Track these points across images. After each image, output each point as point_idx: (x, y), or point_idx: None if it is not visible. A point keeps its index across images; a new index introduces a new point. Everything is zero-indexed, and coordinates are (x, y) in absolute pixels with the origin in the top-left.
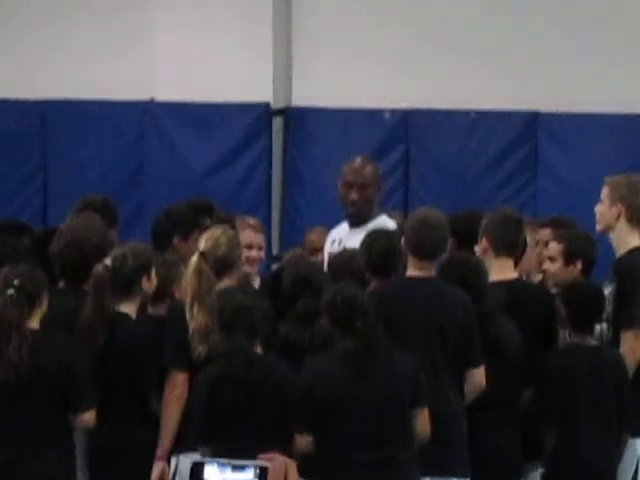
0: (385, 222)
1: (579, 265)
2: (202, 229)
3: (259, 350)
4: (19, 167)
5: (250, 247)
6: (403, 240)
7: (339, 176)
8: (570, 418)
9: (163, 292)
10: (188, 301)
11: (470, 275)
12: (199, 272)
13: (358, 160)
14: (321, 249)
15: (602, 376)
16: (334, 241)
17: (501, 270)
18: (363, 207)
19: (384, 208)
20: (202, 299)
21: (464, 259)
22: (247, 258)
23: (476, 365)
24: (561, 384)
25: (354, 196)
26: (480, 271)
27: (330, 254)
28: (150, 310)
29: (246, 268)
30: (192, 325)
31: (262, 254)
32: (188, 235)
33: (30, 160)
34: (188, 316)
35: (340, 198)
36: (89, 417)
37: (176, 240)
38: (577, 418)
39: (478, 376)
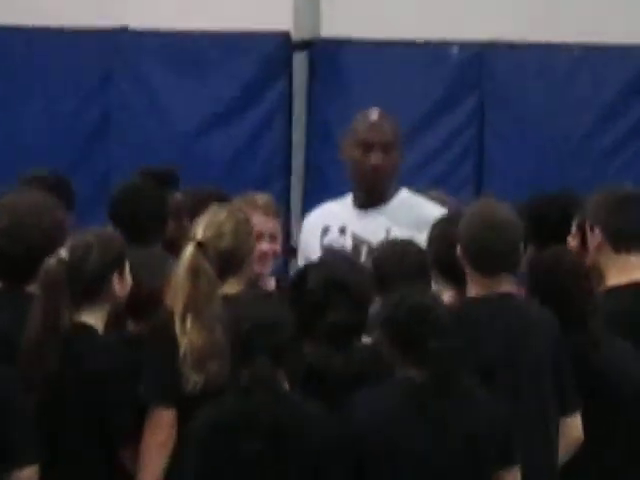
0: (419, 202)
1: None
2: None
3: (285, 384)
4: None
5: (259, 237)
6: (459, 248)
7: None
8: None
9: (149, 301)
10: (179, 312)
11: (567, 285)
12: (195, 271)
13: (375, 112)
14: None
15: None
16: (327, 229)
17: (624, 271)
18: (387, 177)
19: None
20: (199, 309)
21: (556, 261)
22: (258, 250)
23: (568, 413)
24: None
25: (376, 160)
26: (583, 277)
27: (329, 245)
28: (130, 326)
29: (255, 266)
30: (184, 345)
31: (277, 246)
32: (166, 218)
33: None
34: (179, 332)
35: (352, 165)
36: (28, 477)
37: (153, 227)
38: None
39: (572, 427)
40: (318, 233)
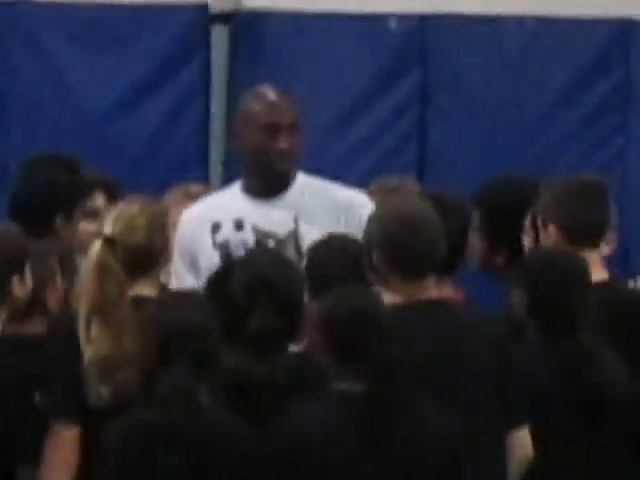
0: (322, 186)
1: None
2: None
3: (206, 397)
4: None
5: None
6: (375, 251)
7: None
8: None
9: (37, 300)
10: (83, 314)
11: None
12: (103, 269)
13: (271, 91)
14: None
15: None
16: (217, 225)
17: None
18: (294, 161)
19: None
20: (106, 312)
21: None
22: None
23: (518, 424)
24: None
25: (285, 143)
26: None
27: (226, 245)
28: (13, 327)
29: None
30: (89, 352)
31: None
32: (73, 211)
33: None
34: (82, 338)
35: (253, 152)
36: None
37: (59, 220)
38: None
39: (521, 442)
40: (207, 231)
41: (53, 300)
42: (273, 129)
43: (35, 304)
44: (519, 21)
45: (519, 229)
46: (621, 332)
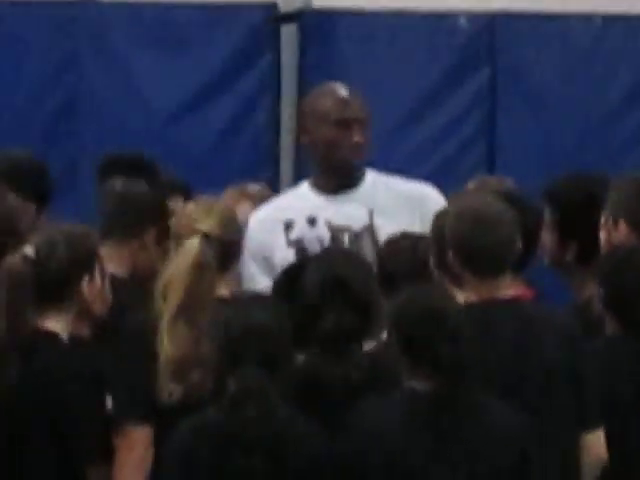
0: (391, 181)
1: None
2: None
3: (277, 397)
4: None
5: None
6: (449, 249)
7: (316, 117)
8: None
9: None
10: (172, 311)
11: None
12: (201, 266)
13: (341, 87)
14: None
15: None
16: (290, 224)
17: None
18: (365, 156)
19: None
20: (194, 313)
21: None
22: None
23: (589, 429)
24: None
25: (358, 138)
26: None
27: (301, 241)
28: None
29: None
30: (168, 350)
31: None
32: (164, 226)
33: None
34: (165, 337)
35: (326, 148)
36: None
37: (149, 235)
38: None
39: (594, 445)
40: (280, 230)
41: (99, 305)
42: (345, 124)
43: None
44: (587, 19)
45: (589, 226)
46: None
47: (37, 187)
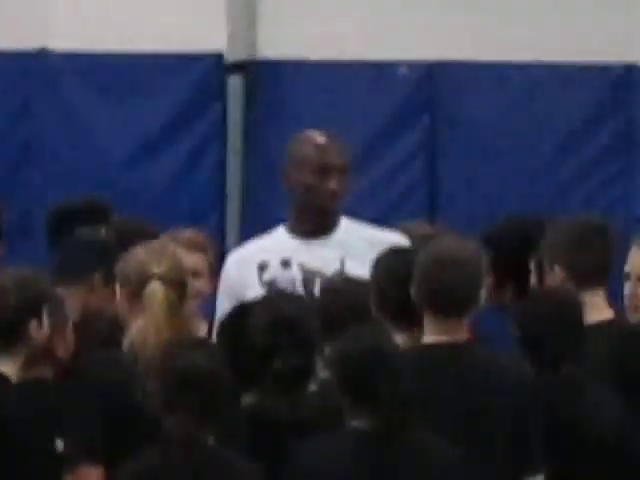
0: (363, 228)
1: None
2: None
3: (211, 439)
4: None
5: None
6: (412, 289)
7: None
8: None
9: (50, 346)
10: (150, 354)
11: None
12: (171, 307)
13: (320, 134)
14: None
15: None
16: (264, 264)
17: (593, 309)
18: (341, 203)
19: (399, 213)
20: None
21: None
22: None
23: (533, 471)
24: None
25: (334, 185)
26: (577, 313)
27: (273, 282)
28: (26, 373)
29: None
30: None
31: (202, 283)
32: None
33: None
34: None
35: (303, 193)
36: None
37: (97, 278)
38: None
39: None
40: (254, 270)
41: (62, 347)
42: (323, 170)
43: (48, 350)
44: (524, 67)
45: (525, 267)
46: (623, 369)
47: None
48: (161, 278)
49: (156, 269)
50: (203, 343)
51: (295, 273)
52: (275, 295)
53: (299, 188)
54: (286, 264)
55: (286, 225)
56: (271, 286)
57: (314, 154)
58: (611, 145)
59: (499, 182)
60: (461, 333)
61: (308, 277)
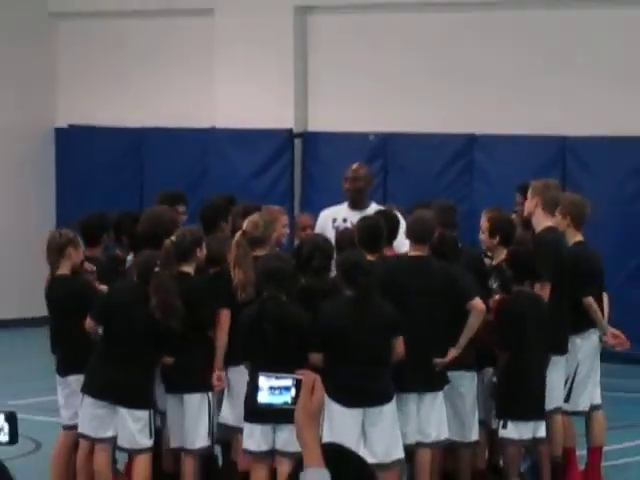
0: (375, 209)
1: (497, 238)
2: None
3: (284, 298)
4: (123, 176)
5: (285, 226)
6: (406, 231)
7: (342, 179)
8: (519, 343)
9: (217, 258)
10: (232, 264)
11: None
12: (238, 245)
13: (356, 164)
14: (305, 228)
15: (540, 312)
16: (335, 220)
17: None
18: (359, 195)
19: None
20: (240, 263)
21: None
22: (284, 234)
23: (470, 299)
24: (512, 320)
25: (352, 186)
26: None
27: (337, 228)
28: (210, 270)
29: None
30: (235, 281)
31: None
32: (227, 220)
33: (130, 168)
34: (233, 275)
35: (344, 190)
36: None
37: (222, 224)
38: (523, 343)
39: (476, 304)
40: (330, 221)
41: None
42: (351, 180)
43: (216, 261)
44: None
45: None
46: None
47: (184, 203)
48: (243, 232)
49: (244, 226)
50: (280, 255)
51: (350, 225)
52: (314, 236)
53: (344, 188)
54: (345, 220)
55: (346, 203)
56: (337, 229)
57: (348, 172)
58: (458, 176)
59: (415, 188)
60: (425, 251)
61: (351, 227)
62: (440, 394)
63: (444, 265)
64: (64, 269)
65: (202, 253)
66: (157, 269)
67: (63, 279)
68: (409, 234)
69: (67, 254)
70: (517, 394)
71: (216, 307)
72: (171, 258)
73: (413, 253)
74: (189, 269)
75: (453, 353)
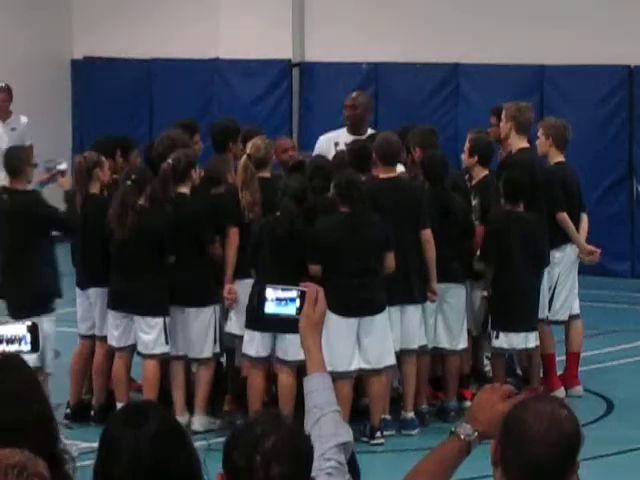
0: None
1: (476, 157)
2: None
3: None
4: (134, 105)
5: (288, 148)
6: (374, 154)
7: (339, 107)
8: (505, 257)
9: (220, 179)
10: (239, 186)
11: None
12: (245, 167)
13: (356, 92)
14: (286, 150)
15: (527, 229)
16: (337, 143)
17: None
18: (358, 121)
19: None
20: (247, 185)
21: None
22: (288, 156)
23: (424, 227)
24: (496, 233)
25: (351, 113)
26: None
27: (338, 150)
28: (212, 190)
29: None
30: (243, 201)
31: (295, 153)
32: (236, 141)
33: (140, 97)
34: (240, 196)
35: (345, 117)
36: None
37: (231, 145)
38: (510, 257)
39: (427, 235)
40: (332, 144)
41: (229, 180)
42: (349, 107)
43: (219, 181)
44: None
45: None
46: None
47: (194, 130)
48: (248, 155)
49: (248, 150)
50: (282, 178)
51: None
52: (314, 157)
53: (344, 115)
54: (346, 144)
55: (345, 128)
56: (337, 150)
57: (347, 99)
58: (443, 102)
59: (403, 113)
60: (395, 172)
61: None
62: (420, 306)
63: (413, 187)
64: (94, 189)
65: (196, 174)
66: (128, 183)
67: (94, 198)
68: (378, 157)
69: (95, 175)
70: (505, 306)
71: (226, 224)
72: (169, 180)
73: (384, 175)
74: (185, 189)
75: (433, 287)
